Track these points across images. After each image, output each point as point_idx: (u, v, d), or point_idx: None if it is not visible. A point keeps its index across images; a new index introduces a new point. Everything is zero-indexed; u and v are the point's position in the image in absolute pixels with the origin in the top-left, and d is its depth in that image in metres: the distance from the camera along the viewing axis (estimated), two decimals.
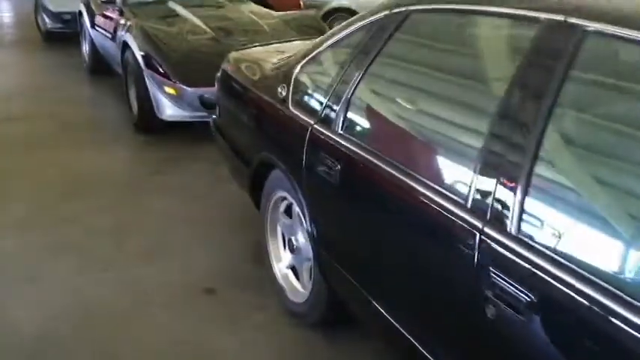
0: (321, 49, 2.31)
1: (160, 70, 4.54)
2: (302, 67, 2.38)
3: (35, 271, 2.96)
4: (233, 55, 3.25)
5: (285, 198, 2.59)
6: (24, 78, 6.85)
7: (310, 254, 2.43)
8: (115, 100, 5.87)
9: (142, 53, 4.67)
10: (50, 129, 5.07)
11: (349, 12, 8.47)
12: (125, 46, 4.99)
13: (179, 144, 4.73)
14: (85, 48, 6.93)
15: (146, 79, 4.65)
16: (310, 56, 2.35)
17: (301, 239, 2.54)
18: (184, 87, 4.43)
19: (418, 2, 1.92)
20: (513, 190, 1.37)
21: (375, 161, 1.83)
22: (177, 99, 4.53)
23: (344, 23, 2.29)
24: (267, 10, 6.08)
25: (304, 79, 2.38)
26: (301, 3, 8.72)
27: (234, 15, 5.63)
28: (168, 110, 4.65)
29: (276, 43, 3.55)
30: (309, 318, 2.52)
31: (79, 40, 7.25)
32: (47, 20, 8.45)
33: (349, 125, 2.03)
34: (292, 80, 2.40)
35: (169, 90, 4.53)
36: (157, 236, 3.33)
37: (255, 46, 3.35)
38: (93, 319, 2.64)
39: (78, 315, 2.67)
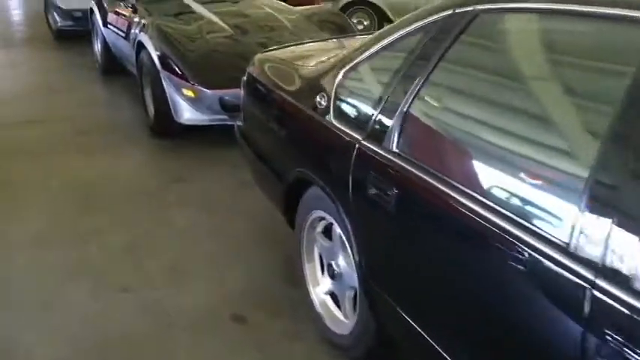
0: (367, 53, 2.04)
1: (178, 71, 4.29)
2: (345, 73, 2.11)
3: (49, 295, 2.73)
4: (260, 57, 2.99)
5: (323, 218, 2.34)
6: (35, 78, 6.62)
7: (354, 282, 2.18)
8: (130, 102, 5.63)
9: (158, 53, 4.42)
10: (63, 133, 4.84)
11: (369, 5, 8.20)
12: (140, 46, 4.75)
13: (198, 148, 4.49)
14: (97, 47, 6.69)
15: (163, 80, 4.40)
16: (355, 62, 2.08)
17: (343, 264, 2.28)
18: (203, 89, 4.18)
19: (488, 1, 1.65)
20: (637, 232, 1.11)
21: (442, 187, 1.57)
22: (196, 102, 4.28)
23: (394, 25, 2.02)
24: (285, 4, 5.80)
25: (348, 88, 2.11)
26: None
27: (251, 11, 5.36)
28: (187, 114, 4.41)
29: (306, 42, 3.29)
30: (352, 352, 2.27)
31: (91, 38, 7.03)
32: (57, 18, 8.23)
33: (406, 143, 1.77)
34: (334, 89, 2.14)
35: (187, 92, 4.28)
36: (179, 253, 3.09)
37: (283, 47, 3.09)
38: (110, 347, 2.42)
39: (94, 342, 2.44)
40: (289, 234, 2.71)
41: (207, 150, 4.45)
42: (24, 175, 4.04)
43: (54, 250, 3.11)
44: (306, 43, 3.25)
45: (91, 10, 6.62)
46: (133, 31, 5.09)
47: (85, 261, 3.01)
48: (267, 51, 3.06)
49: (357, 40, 3.05)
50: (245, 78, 2.98)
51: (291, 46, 3.13)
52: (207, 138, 4.61)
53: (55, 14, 8.26)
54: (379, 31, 2.13)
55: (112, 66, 6.37)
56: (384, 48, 1.98)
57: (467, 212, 1.48)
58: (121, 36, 5.49)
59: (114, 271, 2.92)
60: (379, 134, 1.86)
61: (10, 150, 4.48)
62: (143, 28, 4.80)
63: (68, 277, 2.87)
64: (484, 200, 1.44)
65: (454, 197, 1.52)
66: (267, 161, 2.74)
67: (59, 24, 8.25)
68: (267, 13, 5.29)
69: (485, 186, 1.49)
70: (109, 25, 5.99)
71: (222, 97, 4.18)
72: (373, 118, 1.90)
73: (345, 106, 2.09)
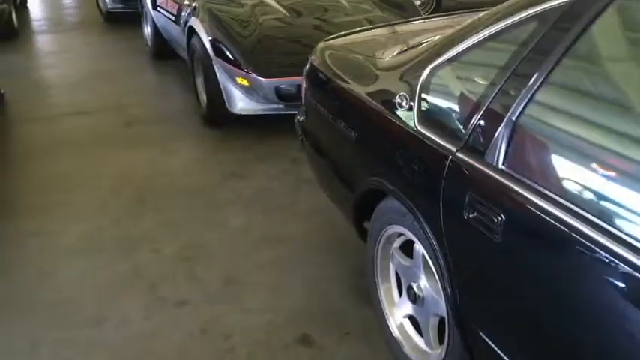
0: (462, 47, 1.70)
1: (231, 58, 4.02)
2: (433, 70, 1.78)
3: (99, 311, 2.53)
4: (323, 45, 2.68)
5: (402, 234, 2.04)
6: (85, 64, 6.48)
7: (440, 310, 1.88)
8: (182, 90, 5.42)
9: (211, 39, 4.15)
10: (115, 124, 4.66)
11: None
12: (191, 30, 4.49)
13: (253, 140, 4.23)
14: (147, 31, 6.50)
15: (215, 68, 4.14)
16: (446, 57, 1.74)
17: (426, 287, 1.98)
18: (259, 77, 3.89)
19: None
20: None
21: (565, 217, 1.24)
22: (251, 90, 4.01)
23: (496, 10, 1.67)
24: None
25: (438, 87, 1.78)
26: None
27: None
28: (240, 103, 4.15)
29: (373, 28, 2.94)
30: None
31: (141, 21, 6.84)
32: (107, 0, 8.09)
33: (517, 158, 1.44)
34: (419, 88, 1.81)
35: (241, 81, 4.01)
36: (235, 261, 2.85)
37: (349, 34, 2.76)
38: None
39: None
40: (357, 242, 2.43)
41: (262, 142, 4.18)
42: (73, 171, 3.87)
43: (104, 256, 2.92)
44: (374, 28, 2.90)
45: None
46: (183, 14, 4.84)
47: (137, 269, 2.80)
48: (331, 39, 2.74)
49: (430, 26, 2.71)
50: (307, 68, 2.68)
51: (357, 32, 2.79)
52: (262, 128, 4.35)
53: None
54: (475, 19, 1.78)
55: (163, 51, 6.18)
56: (484, 40, 1.64)
57: (597, 249, 1.15)
58: (171, 19, 5.26)
59: (168, 282, 2.70)
60: (480, 146, 1.53)
61: (59, 142, 4.32)
62: (194, 12, 4.54)
63: (120, 289, 2.66)
64: (622, 236, 1.12)
65: (581, 230, 1.20)
66: (334, 164, 2.45)
67: (109, 6, 8.12)
68: None
69: (627, 219, 1.15)
70: (158, 9, 5.77)
71: (279, 85, 3.89)
72: (471, 125, 1.57)
73: (433, 110, 1.76)
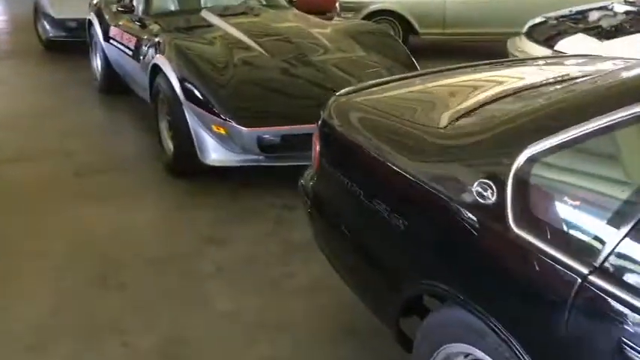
0: (586, 126, 1.29)
1: (206, 103, 3.53)
2: (536, 155, 1.37)
3: None
4: (339, 101, 2.25)
5: (470, 354, 1.60)
6: (25, 98, 5.79)
7: None
8: (138, 130, 4.86)
9: (180, 80, 3.65)
10: (62, 173, 4.04)
11: (394, 16, 7.48)
12: (155, 69, 3.97)
13: (228, 195, 3.72)
14: (96, 63, 5.90)
15: (186, 113, 3.64)
16: (557, 138, 1.33)
17: None
18: (238, 126, 3.41)
19: None
20: None
21: None
22: (228, 140, 3.53)
23: (629, 79, 1.28)
24: (312, 16, 5.05)
25: (546, 179, 1.38)
26: (337, 5, 7.69)
27: (278, 25, 4.59)
28: (214, 153, 3.66)
29: (397, 79, 2.53)
30: None
31: (88, 51, 6.21)
32: (48, 27, 7.42)
33: None
34: (511, 177, 1.39)
35: (218, 129, 3.52)
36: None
37: (371, 86, 2.34)
38: None
39: None
40: (376, 328, 1.99)
41: (238, 198, 3.68)
42: (13, 234, 3.25)
43: (62, 350, 2.34)
44: (397, 80, 2.48)
45: (90, 22, 5.82)
46: (144, 49, 4.32)
47: None
48: (347, 92, 2.30)
49: (468, 78, 2.32)
50: (320, 127, 2.24)
51: (376, 85, 2.37)
52: (237, 182, 3.85)
53: (45, 23, 7.44)
54: (594, 84, 1.39)
55: (114, 84, 5.61)
56: (621, 122, 1.24)
57: None
58: (127, 54, 4.72)
59: None
60: (628, 273, 1.13)
61: None
62: (158, 47, 4.03)
63: None
64: None
65: None
66: (363, 251, 2.00)
67: (50, 34, 7.44)
68: (298, 28, 4.54)
69: None
70: (111, 41, 5.21)
71: (261, 135, 3.43)
72: (612, 243, 1.17)
73: (541, 209, 1.35)
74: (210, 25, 4.54)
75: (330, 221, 2.20)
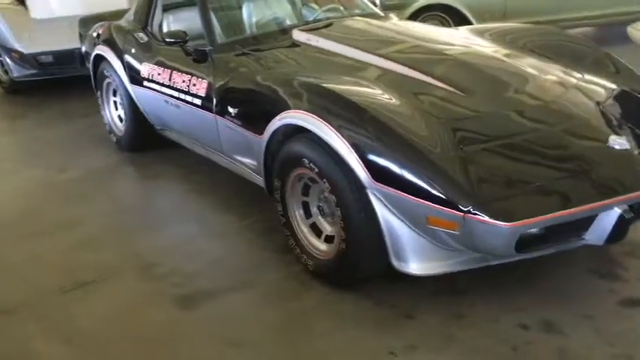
0: None
1: (419, 186, 2.11)
2: None
3: None
4: None
5: None
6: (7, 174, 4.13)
7: None
8: (224, 240, 3.19)
9: (362, 154, 2.22)
10: (153, 316, 2.51)
11: (445, 10, 6.23)
12: (282, 133, 2.51)
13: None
14: (111, 114, 4.30)
15: (373, 201, 2.23)
16: None
17: None
18: (494, 222, 2.02)
19: None
20: None
21: None
22: (456, 239, 2.14)
23: None
24: (421, 24, 3.69)
25: None
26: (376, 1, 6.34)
27: (444, 47, 2.99)
28: (419, 260, 2.26)
29: None
30: None
31: (93, 90, 4.59)
32: (13, 66, 5.71)
33: None
34: None
35: (439, 224, 2.13)
36: None
37: None
38: None
39: None
40: None
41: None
42: None
43: None
44: None
45: (97, 57, 4.18)
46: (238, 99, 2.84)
47: None
48: None
49: None
50: None
51: None
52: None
53: (7, 60, 5.72)
54: None
55: (142, 140, 4.10)
56: None
57: None
58: (194, 104, 3.20)
59: None
60: None
61: None
62: (283, 99, 2.56)
63: None
64: None
65: None
66: None
67: (15, 74, 5.74)
68: (452, 45, 3.08)
69: None
70: (147, 84, 3.65)
71: (525, 231, 2.06)
72: None
73: None
74: (330, 54, 3.01)
75: None
